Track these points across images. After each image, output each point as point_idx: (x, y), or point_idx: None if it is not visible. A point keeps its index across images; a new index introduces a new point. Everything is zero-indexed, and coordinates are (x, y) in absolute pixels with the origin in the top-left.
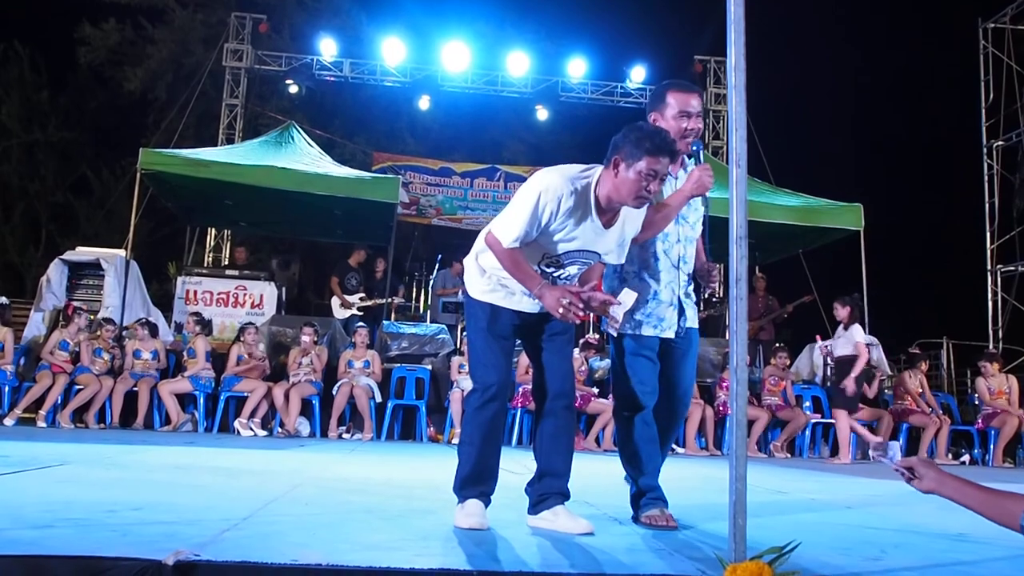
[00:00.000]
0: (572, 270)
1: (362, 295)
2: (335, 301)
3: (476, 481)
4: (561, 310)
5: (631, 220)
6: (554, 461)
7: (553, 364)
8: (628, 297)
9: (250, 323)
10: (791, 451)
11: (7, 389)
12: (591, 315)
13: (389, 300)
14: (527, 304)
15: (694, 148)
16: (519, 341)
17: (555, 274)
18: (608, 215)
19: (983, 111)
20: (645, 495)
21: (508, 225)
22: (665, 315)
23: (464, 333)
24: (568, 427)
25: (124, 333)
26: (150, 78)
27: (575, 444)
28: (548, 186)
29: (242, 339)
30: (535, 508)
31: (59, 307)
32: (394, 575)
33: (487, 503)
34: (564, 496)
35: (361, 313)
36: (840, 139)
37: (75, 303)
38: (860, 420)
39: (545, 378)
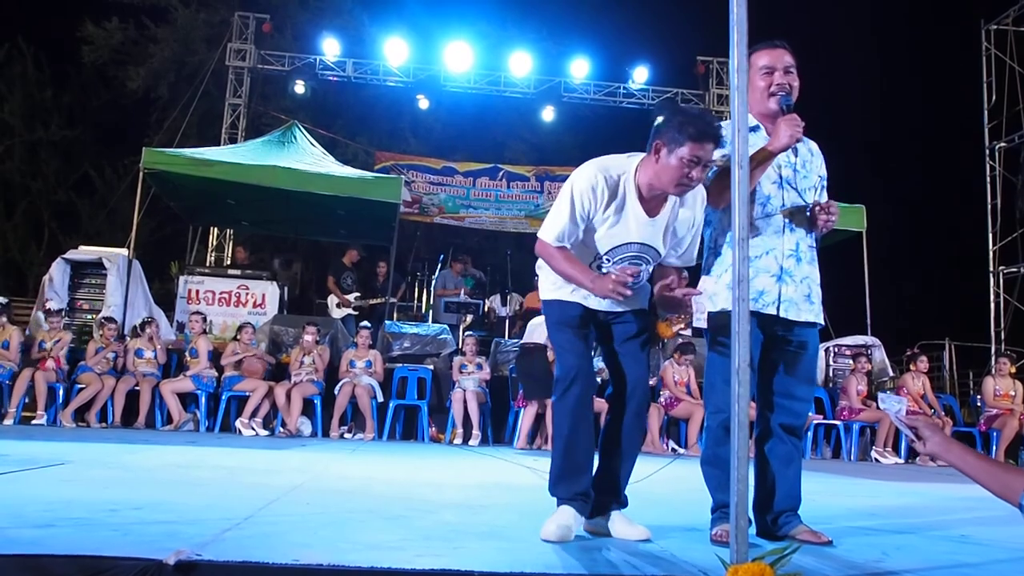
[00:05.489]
0: (623, 266)
1: (358, 294)
2: (332, 300)
3: (569, 478)
4: (611, 286)
5: (683, 210)
6: (613, 466)
7: (625, 368)
8: (707, 284)
9: (247, 323)
10: None
11: (6, 387)
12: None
13: (386, 299)
14: (593, 300)
15: (782, 104)
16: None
17: (606, 273)
18: (652, 203)
19: (985, 113)
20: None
21: (550, 224)
22: (764, 286)
23: (466, 333)
24: (633, 433)
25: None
26: (153, 77)
27: None
28: (582, 177)
29: (238, 338)
30: (591, 514)
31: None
32: (396, 575)
33: (582, 509)
34: (620, 503)
35: (357, 313)
36: (842, 140)
37: (66, 302)
38: (861, 422)
39: (617, 382)
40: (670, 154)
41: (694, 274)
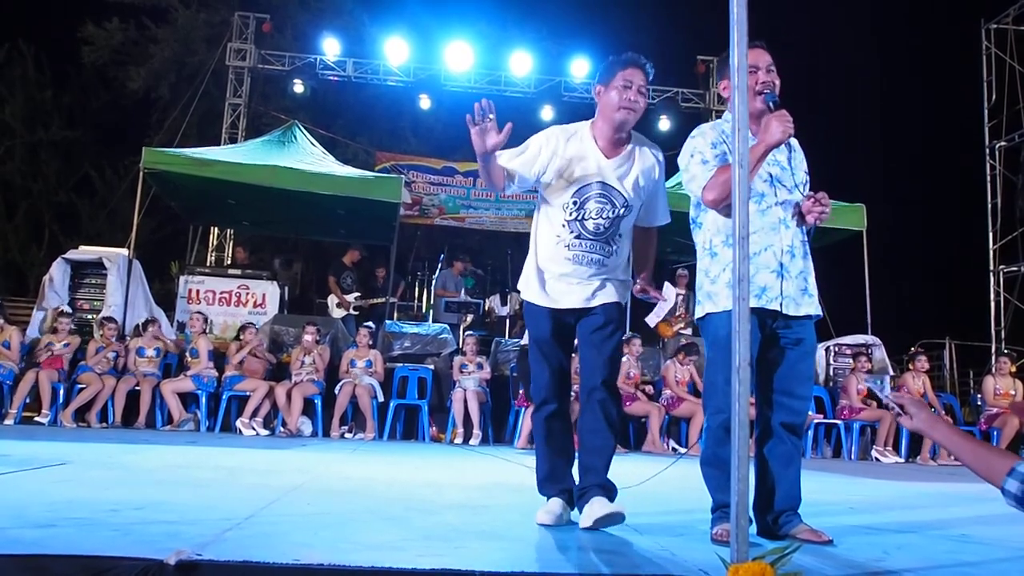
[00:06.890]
0: (591, 207)
1: (358, 294)
2: (331, 300)
3: (551, 481)
4: (474, 128)
5: (643, 154)
6: (587, 456)
7: (587, 358)
8: (669, 292)
9: (249, 323)
10: None
11: (6, 387)
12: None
13: (386, 300)
14: (560, 301)
15: (768, 101)
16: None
17: (579, 218)
18: (610, 147)
19: (986, 112)
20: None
21: None
22: (766, 282)
23: (467, 332)
24: (597, 421)
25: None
26: (153, 77)
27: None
28: (542, 132)
29: (241, 338)
30: (578, 504)
31: (63, 308)
32: (396, 575)
33: (570, 500)
34: (603, 488)
35: (356, 313)
36: (842, 139)
37: (79, 302)
38: (862, 421)
39: (581, 373)
40: (608, 88)
41: (694, 273)
